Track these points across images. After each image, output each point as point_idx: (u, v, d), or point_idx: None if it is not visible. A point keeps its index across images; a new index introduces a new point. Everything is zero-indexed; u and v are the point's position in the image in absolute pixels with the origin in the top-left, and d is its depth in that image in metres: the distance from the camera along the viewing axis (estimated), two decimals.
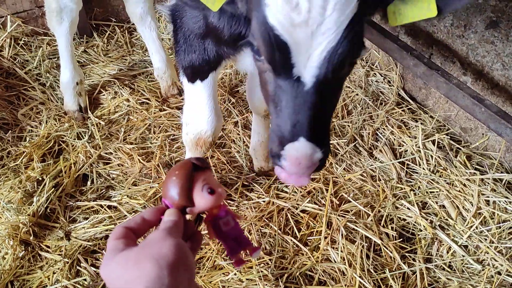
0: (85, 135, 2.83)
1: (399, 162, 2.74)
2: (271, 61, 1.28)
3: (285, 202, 2.51)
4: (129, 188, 2.57)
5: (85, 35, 3.46)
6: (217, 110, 2.16)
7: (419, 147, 2.79)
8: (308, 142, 1.27)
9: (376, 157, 2.80)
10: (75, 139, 2.81)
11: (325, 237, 2.34)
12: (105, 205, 2.47)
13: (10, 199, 2.42)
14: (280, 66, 1.26)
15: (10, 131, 2.79)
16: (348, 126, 2.97)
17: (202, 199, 1.06)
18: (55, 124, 2.88)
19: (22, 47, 3.24)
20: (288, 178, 1.33)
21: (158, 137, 2.88)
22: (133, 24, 3.62)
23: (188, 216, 1.13)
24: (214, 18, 1.68)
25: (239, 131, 2.91)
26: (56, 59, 3.27)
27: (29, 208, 2.37)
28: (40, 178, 2.53)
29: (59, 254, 2.22)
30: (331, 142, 2.83)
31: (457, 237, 2.38)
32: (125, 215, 2.41)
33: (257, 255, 1.14)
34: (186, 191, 1.05)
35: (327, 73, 1.24)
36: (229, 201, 2.53)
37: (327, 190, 2.56)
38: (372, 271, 2.22)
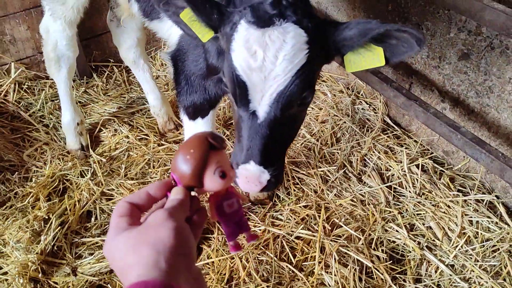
0: (88, 173, 2.98)
1: (386, 186, 2.89)
2: (234, 95, 1.52)
3: (280, 229, 2.64)
4: None
5: (85, 76, 3.64)
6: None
7: (405, 171, 2.94)
8: (257, 165, 1.51)
9: (365, 182, 2.95)
10: (78, 177, 2.96)
11: (319, 262, 2.47)
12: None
13: (19, 238, 2.54)
14: (239, 100, 1.50)
15: (16, 173, 2.93)
16: (337, 153, 3.13)
17: (212, 182, 0.98)
18: (59, 164, 3.03)
19: (26, 91, 3.41)
20: (241, 186, 1.58)
21: (158, 171, 3.02)
22: None
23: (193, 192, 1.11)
24: (214, 59, 1.88)
25: None
26: (58, 101, 3.43)
27: (37, 246, 2.50)
28: (47, 217, 2.66)
29: None
30: (321, 169, 2.99)
31: (444, 257, 2.51)
32: None
33: (253, 242, 1.14)
34: (198, 172, 0.97)
35: (276, 110, 1.48)
36: None
37: (319, 216, 2.69)
38: None
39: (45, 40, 2.82)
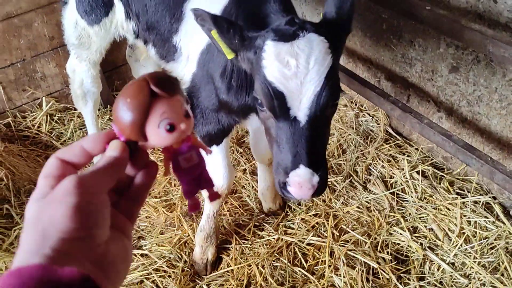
0: None
1: (390, 193, 3.10)
2: (271, 108, 1.62)
3: (292, 237, 2.88)
4: (157, 237, 2.97)
5: (108, 105, 3.96)
6: (230, 167, 2.57)
7: (407, 178, 3.15)
8: (307, 168, 1.58)
9: (370, 190, 3.17)
10: None
11: (329, 266, 2.69)
12: (138, 253, 2.88)
13: None
14: (279, 111, 1.60)
15: None
16: (344, 163, 3.36)
17: (157, 137, 0.81)
18: None
19: (57, 121, 3.75)
20: (295, 194, 1.62)
21: (178, 189, 3.30)
22: None
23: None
24: (224, 94, 2.10)
25: (247, 178, 3.32)
26: (85, 129, 3.76)
27: None
28: None
29: None
30: (329, 179, 3.22)
31: (445, 256, 2.70)
32: (155, 261, 2.80)
33: (215, 201, 0.92)
34: (138, 125, 0.79)
35: (316, 111, 1.59)
36: (243, 241, 2.92)
37: (328, 223, 2.92)
38: None
39: (71, 79, 3.14)
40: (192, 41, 2.23)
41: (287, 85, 1.57)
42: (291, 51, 1.56)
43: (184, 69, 2.37)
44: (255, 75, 1.70)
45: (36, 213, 0.70)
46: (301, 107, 1.58)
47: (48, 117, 3.72)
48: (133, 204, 0.85)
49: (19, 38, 3.39)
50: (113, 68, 3.88)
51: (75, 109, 3.89)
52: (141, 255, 2.86)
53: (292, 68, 1.55)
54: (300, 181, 1.57)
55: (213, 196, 0.98)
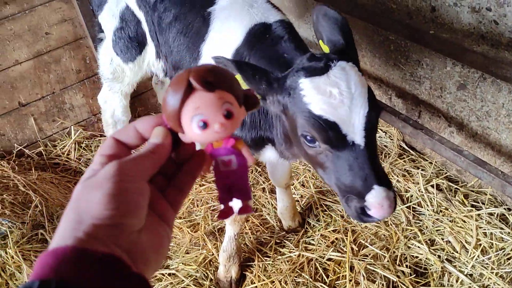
0: None
1: (406, 207, 3.19)
2: (327, 141, 1.61)
3: (313, 253, 2.99)
4: (183, 256, 3.12)
5: None
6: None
7: (422, 191, 3.24)
8: (381, 187, 1.57)
9: None
10: None
11: (350, 280, 2.79)
12: (165, 273, 3.03)
13: None
14: (336, 141, 1.60)
15: None
16: None
17: (190, 131, 0.77)
18: None
19: (84, 148, 3.97)
20: (377, 215, 1.60)
21: (201, 209, 3.45)
22: None
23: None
24: (237, 130, 2.23)
25: (267, 196, 3.46)
26: None
27: None
28: None
29: None
30: None
31: (463, 268, 2.78)
32: (183, 280, 2.95)
33: (243, 214, 0.89)
34: (174, 115, 0.76)
35: (369, 131, 1.61)
36: (265, 258, 3.04)
37: (347, 238, 3.03)
38: None
39: (103, 109, 3.36)
40: None
41: (337, 114, 1.58)
42: (330, 82, 1.59)
43: None
44: (293, 115, 1.70)
45: (78, 195, 0.72)
46: (356, 131, 1.59)
47: (77, 145, 3.94)
48: (178, 193, 0.84)
49: (48, 73, 3.63)
50: (135, 95, 4.09)
51: (101, 135, 4.11)
52: (169, 274, 3.01)
53: (337, 96, 1.58)
54: (380, 201, 1.56)
55: (244, 210, 0.87)
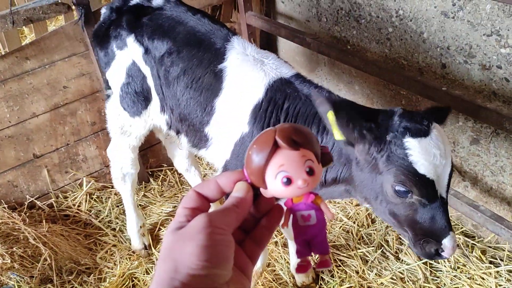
0: (152, 270, 3.38)
1: (423, 263, 3.12)
2: (424, 195, 1.79)
3: None
4: None
5: (143, 182, 4.18)
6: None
7: None
8: (453, 233, 1.84)
9: (402, 260, 3.20)
10: (145, 274, 3.36)
11: None
12: None
13: None
14: (431, 196, 1.79)
15: (92, 274, 3.37)
16: (374, 233, 3.42)
17: (273, 187, 0.82)
18: (127, 263, 3.45)
19: (95, 200, 3.96)
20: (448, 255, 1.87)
21: None
22: None
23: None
24: None
25: (279, 250, 3.40)
26: (122, 206, 3.95)
27: None
28: None
29: None
30: (360, 251, 3.27)
31: None
32: None
33: (322, 269, 0.87)
34: (259, 171, 0.81)
35: (449, 186, 1.85)
36: None
37: None
38: None
39: (112, 162, 3.38)
40: (223, 134, 2.43)
41: (436, 173, 1.76)
42: (434, 144, 1.75)
43: (214, 157, 2.56)
44: (386, 167, 1.83)
45: (171, 244, 0.77)
46: (443, 185, 1.81)
47: (88, 196, 3.94)
48: (256, 246, 0.87)
49: (64, 125, 3.69)
50: (148, 147, 4.13)
51: (112, 187, 4.11)
52: None
53: (439, 158, 1.75)
54: (454, 244, 1.83)
55: (323, 264, 0.90)
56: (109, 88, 3.09)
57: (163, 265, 0.76)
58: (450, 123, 3.04)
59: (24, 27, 5.58)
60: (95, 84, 3.69)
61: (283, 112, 2.19)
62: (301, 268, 0.90)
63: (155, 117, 2.93)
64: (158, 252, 3.51)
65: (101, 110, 3.81)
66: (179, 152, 3.63)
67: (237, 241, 0.83)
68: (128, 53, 2.78)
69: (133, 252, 3.58)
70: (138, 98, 2.86)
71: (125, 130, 3.09)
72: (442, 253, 1.85)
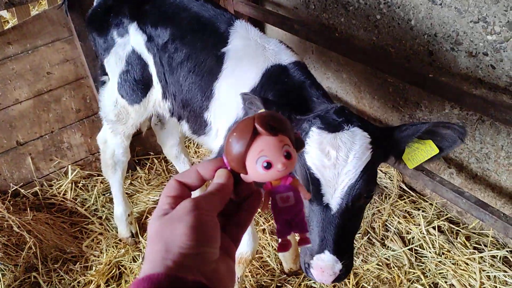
0: (139, 258, 3.36)
1: (408, 249, 3.15)
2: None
3: None
4: None
5: (130, 170, 4.13)
6: (254, 233, 2.67)
7: (423, 233, 3.22)
8: (331, 255, 1.65)
9: (388, 246, 3.23)
10: (131, 262, 3.34)
11: None
12: None
13: None
14: (313, 196, 1.67)
15: (78, 263, 3.34)
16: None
17: (254, 172, 0.86)
18: (113, 252, 3.43)
19: (81, 188, 3.91)
20: (316, 277, 1.72)
21: None
22: None
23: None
24: None
25: (267, 238, 3.41)
26: (108, 194, 3.92)
27: None
28: None
29: None
30: None
31: None
32: None
33: (303, 246, 0.97)
34: (239, 158, 0.85)
35: (347, 202, 1.66)
36: None
37: (349, 282, 2.97)
38: None
39: (102, 150, 3.33)
40: (220, 117, 2.41)
41: (324, 174, 1.64)
42: (334, 143, 1.64)
43: (213, 143, 2.54)
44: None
45: (159, 229, 0.80)
46: (334, 196, 1.65)
47: (73, 185, 3.89)
48: (237, 229, 0.92)
49: (48, 112, 3.63)
50: (135, 134, 4.08)
51: (98, 175, 4.07)
52: None
53: (332, 159, 1.63)
54: (323, 266, 1.65)
55: (303, 241, 0.96)
56: (105, 74, 3.03)
57: (154, 246, 0.78)
58: (436, 111, 3.05)
59: (6, 11, 5.45)
60: (79, 70, 3.62)
61: (271, 97, 2.17)
62: (282, 247, 0.94)
63: (157, 104, 2.89)
64: (145, 240, 3.49)
65: (86, 97, 3.75)
66: (170, 139, 3.60)
67: (220, 227, 0.85)
68: (129, 41, 2.73)
69: (120, 240, 3.55)
70: (138, 86, 2.82)
71: (122, 118, 3.04)
72: (311, 270, 1.70)
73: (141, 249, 3.44)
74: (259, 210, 0.95)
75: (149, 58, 2.70)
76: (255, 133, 0.84)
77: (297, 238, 0.97)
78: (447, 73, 2.79)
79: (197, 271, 0.77)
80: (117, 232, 3.59)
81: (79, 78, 3.64)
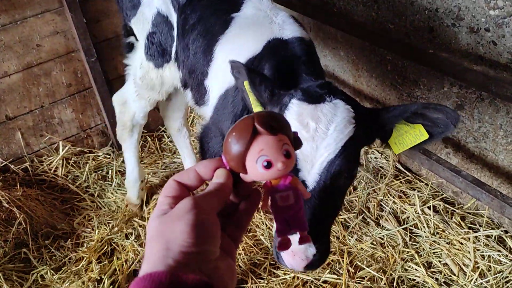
0: (131, 235, 3.32)
1: (403, 229, 3.14)
2: None
3: (308, 275, 2.90)
4: None
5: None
6: None
7: (418, 213, 3.20)
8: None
9: (383, 226, 3.21)
10: (124, 239, 3.30)
11: None
12: None
13: None
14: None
15: (69, 239, 3.29)
16: (355, 200, 3.41)
17: (254, 171, 0.86)
18: (105, 229, 3.38)
19: (72, 165, 3.84)
20: (287, 262, 1.56)
21: None
22: (162, 132, 4.27)
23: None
24: None
25: (261, 216, 3.37)
26: (100, 171, 3.86)
27: None
28: (99, 278, 2.99)
29: None
30: (342, 217, 3.27)
31: None
32: None
33: (303, 244, 0.97)
34: (239, 157, 0.85)
35: (326, 179, 1.52)
36: (259, 280, 2.94)
37: (343, 260, 2.95)
38: None
39: (120, 111, 3.25)
40: (215, 84, 2.35)
41: (302, 147, 1.57)
42: (313, 114, 1.53)
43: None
44: None
45: (159, 228, 0.80)
46: (311, 172, 1.53)
47: (64, 161, 3.82)
48: (237, 229, 0.92)
49: (38, 86, 3.54)
50: None
51: (90, 152, 4.00)
52: None
53: (311, 131, 1.51)
54: (294, 249, 1.48)
55: (304, 240, 0.96)
56: (129, 35, 2.97)
57: (154, 245, 0.78)
58: (435, 89, 3.01)
59: None
60: (70, 43, 3.52)
61: (265, 70, 2.08)
62: (282, 246, 0.95)
63: (174, 75, 2.81)
64: (139, 219, 3.45)
65: (77, 71, 3.66)
66: (175, 112, 3.54)
67: (220, 226, 0.85)
68: (153, 0, 2.68)
69: (127, 205, 3.53)
70: (159, 52, 2.76)
71: (147, 83, 2.96)
72: (282, 254, 1.54)
73: (135, 227, 3.40)
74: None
75: (173, 19, 2.62)
76: (254, 132, 0.84)
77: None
78: (447, 49, 2.73)
79: (198, 270, 0.77)
80: (109, 209, 3.55)
81: (69, 51, 3.55)
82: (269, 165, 0.84)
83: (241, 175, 0.89)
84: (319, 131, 1.51)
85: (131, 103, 3.17)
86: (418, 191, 3.38)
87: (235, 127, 0.86)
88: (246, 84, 1.71)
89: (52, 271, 3.06)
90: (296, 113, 1.56)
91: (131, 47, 3.03)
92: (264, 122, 0.84)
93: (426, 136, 1.64)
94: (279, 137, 0.85)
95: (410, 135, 1.67)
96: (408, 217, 3.23)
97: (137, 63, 2.99)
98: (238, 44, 2.25)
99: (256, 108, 1.78)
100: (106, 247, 3.24)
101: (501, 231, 2.94)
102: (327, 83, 1.69)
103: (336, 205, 1.68)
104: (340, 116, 1.54)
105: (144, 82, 2.98)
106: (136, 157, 3.47)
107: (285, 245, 0.95)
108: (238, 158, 0.85)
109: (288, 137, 0.87)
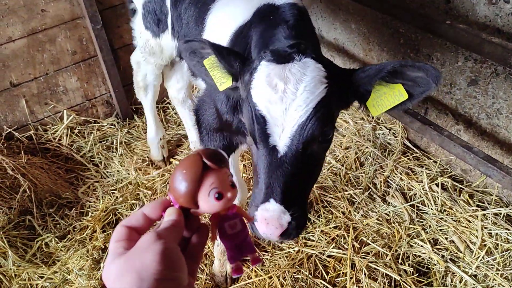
0: (136, 206, 3.31)
1: (409, 205, 3.10)
2: (251, 133, 1.50)
3: (313, 249, 2.89)
4: None
5: (127, 118, 4.02)
6: (241, 182, 2.60)
7: (426, 190, 3.16)
8: (277, 204, 1.40)
9: (389, 202, 3.18)
10: (129, 209, 3.29)
11: (351, 278, 2.69)
12: None
13: (81, 266, 2.87)
14: (258, 136, 1.48)
15: (73, 208, 3.29)
16: (362, 176, 3.37)
17: (207, 204, 0.91)
18: (109, 199, 3.37)
19: (77, 135, 3.81)
20: (260, 231, 1.45)
21: None
22: (167, 103, 4.22)
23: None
24: (226, 114, 2.06)
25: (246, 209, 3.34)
26: (105, 141, 3.83)
27: (97, 273, 2.82)
28: (104, 246, 2.99)
29: None
30: (348, 192, 3.23)
31: (467, 268, 2.70)
32: None
33: (257, 265, 1.03)
34: (191, 194, 0.90)
35: (297, 143, 1.45)
36: (263, 253, 2.93)
37: (348, 235, 2.93)
38: None
39: (135, 71, 3.37)
40: None
41: (270, 110, 1.45)
42: (282, 74, 1.46)
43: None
44: (245, 100, 1.59)
45: (124, 266, 0.82)
46: (282, 136, 1.45)
47: (69, 130, 3.78)
48: (192, 262, 0.95)
49: (42, 53, 3.48)
50: (131, 82, 3.95)
51: (95, 122, 3.96)
52: None
53: (279, 92, 1.44)
54: (267, 216, 1.40)
55: (255, 261, 1.03)
56: (132, 1, 2.99)
57: (125, 279, 0.80)
58: (449, 63, 2.93)
59: None
60: (75, 9, 3.44)
61: (251, 36, 1.97)
62: (237, 271, 1.03)
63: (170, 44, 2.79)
64: (145, 188, 3.43)
65: (82, 38, 3.59)
66: (178, 82, 3.50)
67: None
68: None
69: (151, 161, 3.65)
70: (155, 22, 2.77)
71: (148, 50, 3.03)
72: (255, 223, 1.44)
73: (140, 198, 3.38)
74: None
75: None
76: (205, 168, 0.91)
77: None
78: (463, 22, 2.64)
79: None
80: (113, 180, 3.53)
81: (75, 17, 3.47)
82: (220, 196, 0.91)
83: (192, 210, 0.94)
84: (288, 92, 1.44)
85: (142, 65, 3.28)
86: (426, 168, 3.33)
87: (184, 165, 0.92)
88: (206, 62, 1.63)
89: (56, 239, 3.06)
90: (264, 74, 1.49)
91: (134, 12, 3.07)
92: (212, 158, 0.92)
93: (405, 96, 1.54)
94: (224, 170, 0.94)
95: (389, 96, 1.57)
96: (415, 194, 3.19)
97: (138, 32, 3.06)
98: (229, 11, 2.16)
99: (223, 84, 1.67)
100: (110, 216, 3.24)
101: (510, 209, 2.91)
102: (298, 42, 1.59)
103: (311, 171, 1.59)
104: (310, 75, 1.46)
105: (146, 50, 3.05)
106: (153, 115, 3.56)
107: (239, 269, 1.03)
108: (189, 195, 0.91)
109: (229, 169, 0.96)
